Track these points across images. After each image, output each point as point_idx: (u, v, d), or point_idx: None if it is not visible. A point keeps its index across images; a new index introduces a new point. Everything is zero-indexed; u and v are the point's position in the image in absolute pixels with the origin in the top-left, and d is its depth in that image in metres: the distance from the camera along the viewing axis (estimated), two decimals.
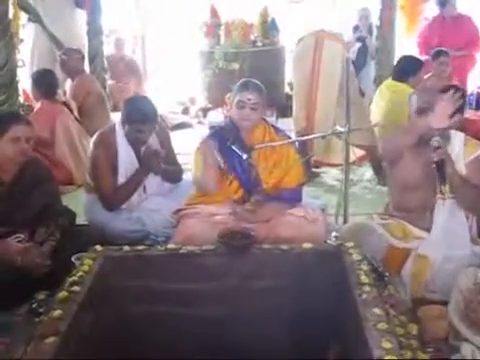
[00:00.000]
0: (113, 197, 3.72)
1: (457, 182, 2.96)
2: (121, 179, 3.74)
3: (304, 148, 4.93)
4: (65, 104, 5.49)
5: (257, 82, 3.38)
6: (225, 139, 3.32)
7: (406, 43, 7.67)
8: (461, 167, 3.06)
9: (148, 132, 3.69)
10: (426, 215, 3.15)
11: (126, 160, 3.75)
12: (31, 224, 3.18)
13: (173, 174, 3.99)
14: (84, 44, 6.84)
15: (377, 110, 5.16)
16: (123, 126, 3.73)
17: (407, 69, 5.11)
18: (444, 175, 2.91)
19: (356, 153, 4.47)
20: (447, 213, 3.06)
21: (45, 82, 5.31)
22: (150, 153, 3.70)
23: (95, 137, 3.82)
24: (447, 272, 2.96)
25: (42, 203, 3.25)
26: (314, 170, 5.38)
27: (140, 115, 3.62)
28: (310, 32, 5.12)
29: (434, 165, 2.91)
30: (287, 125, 6.05)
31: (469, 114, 5.34)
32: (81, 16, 7.00)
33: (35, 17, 6.75)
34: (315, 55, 4.94)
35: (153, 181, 3.88)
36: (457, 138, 3.13)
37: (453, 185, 2.96)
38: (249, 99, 3.26)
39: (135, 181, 3.74)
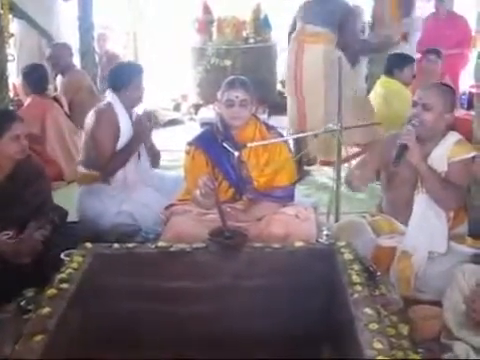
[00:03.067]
0: (109, 164, 3.82)
1: (423, 172, 2.99)
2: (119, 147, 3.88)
3: (298, 146, 4.94)
4: (55, 99, 5.45)
5: (243, 78, 3.36)
6: (216, 137, 3.31)
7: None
8: (441, 162, 3.06)
9: (142, 87, 3.95)
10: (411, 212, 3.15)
11: (126, 132, 3.88)
12: (22, 221, 3.17)
13: (154, 152, 4.13)
14: (69, 38, 6.80)
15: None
16: (118, 96, 3.88)
17: (393, 64, 5.22)
18: (400, 158, 3.00)
19: (348, 151, 4.47)
20: (424, 205, 3.06)
21: (36, 77, 5.28)
22: (141, 116, 3.96)
23: (95, 113, 3.89)
24: (435, 272, 2.97)
25: (35, 201, 3.24)
26: (306, 168, 5.37)
27: (130, 74, 3.90)
28: (295, 34, 5.07)
29: (398, 146, 3.00)
30: (279, 123, 6.05)
31: (460, 114, 5.36)
32: (66, 9, 6.96)
33: (20, 14, 6.65)
34: (297, 60, 4.94)
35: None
36: (451, 137, 3.12)
37: (420, 173, 3.02)
38: (237, 96, 3.24)
39: (130, 149, 3.88)
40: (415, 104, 3.09)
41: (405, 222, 3.14)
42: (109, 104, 3.91)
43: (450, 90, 3.25)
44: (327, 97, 4.72)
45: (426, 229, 3.03)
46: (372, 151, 3.33)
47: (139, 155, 3.98)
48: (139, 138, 3.90)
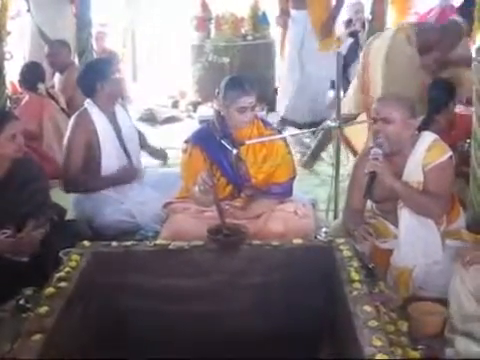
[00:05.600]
0: (79, 182, 3.79)
1: (399, 191, 2.95)
2: (104, 152, 3.80)
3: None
4: (50, 95, 5.44)
5: (249, 79, 3.32)
6: (213, 134, 3.29)
7: None
8: (417, 171, 3.00)
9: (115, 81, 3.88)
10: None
11: (106, 136, 3.83)
12: (20, 220, 3.16)
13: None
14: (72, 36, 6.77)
15: None
16: (93, 98, 3.83)
17: None
18: (370, 187, 2.95)
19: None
20: (408, 219, 3.00)
21: (30, 75, 5.29)
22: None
23: (71, 121, 3.88)
24: (433, 270, 2.95)
25: (33, 199, 3.22)
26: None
27: (97, 75, 3.81)
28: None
29: (367, 175, 2.95)
30: (277, 119, 6.04)
31: (460, 109, 5.34)
32: (71, 9, 6.93)
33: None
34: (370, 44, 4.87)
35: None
36: (423, 142, 3.04)
37: (398, 195, 2.97)
38: (251, 102, 3.20)
39: (111, 181, 3.83)
40: (375, 120, 3.01)
41: (396, 225, 3.10)
42: (84, 110, 3.87)
43: (407, 98, 3.18)
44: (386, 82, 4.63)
45: (417, 243, 2.97)
46: (355, 174, 3.25)
47: (130, 161, 3.97)
48: (125, 182, 3.90)
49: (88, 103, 3.86)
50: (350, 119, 4.49)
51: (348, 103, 4.96)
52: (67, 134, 3.86)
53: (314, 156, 5.26)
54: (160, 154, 4.40)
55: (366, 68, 4.64)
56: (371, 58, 4.59)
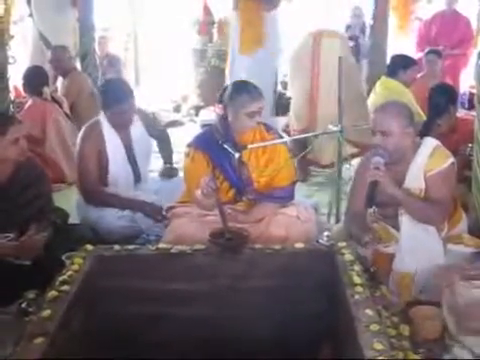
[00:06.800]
0: (99, 195, 3.75)
1: (401, 200, 2.95)
2: (112, 167, 3.79)
3: (302, 146, 4.94)
4: (54, 100, 5.46)
5: (255, 85, 3.33)
6: (216, 138, 3.30)
7: (397, 43, 7.71)
8: (419, 178, 3.00)
9: (130, 111, 3.77)
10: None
11: (115, 150, 3.81)
12: (23, 224, 3.17)
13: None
14: (76, 41, 6.80)
15: (371, 107, 5.19)
16: (105, 114, 3.79)
17: (397, 65, 5.24)
18: (372, 197, 2.93)
19: (348, 150, 4.46)
20: (409, 226, 2.99)
21: (33, 79, 5.30)
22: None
23: (82, 131, 3.86)
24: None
25: (36, 203, 3.23)
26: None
27: (116, 96, 3.72)
28: (308, 32, 5.13)
29: (369, 184, 2.92)
30: (278, 123, 6.04)
31: (461, 114, 5.36)
32: (73, 13, 6.96)
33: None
34: (314, 54, 4.93)
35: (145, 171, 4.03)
36: (425, 149, 3.03)
37: (401, 203, 2.97)
38: (260, 107, 3.22)
39: (127, 204, 3.79)
40: (374, 133, 3.00)
41: (397, 229, 3.10)
42: (97, 122, 3.84)
43: (404, 104, 3.17)
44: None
45: (419, 248, 2.96)
46: (357, 179, 3.25)
47: (139, 179, 3.97)
48: (141, 211, 3.80)
49: (102, 116, 3.82)
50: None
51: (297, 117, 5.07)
52: (78, 146, 3.82)
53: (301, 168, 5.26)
54: (172, 173, 4.40)
55: (316, 77, 4.77)
56: (322, 68, 4.77)
